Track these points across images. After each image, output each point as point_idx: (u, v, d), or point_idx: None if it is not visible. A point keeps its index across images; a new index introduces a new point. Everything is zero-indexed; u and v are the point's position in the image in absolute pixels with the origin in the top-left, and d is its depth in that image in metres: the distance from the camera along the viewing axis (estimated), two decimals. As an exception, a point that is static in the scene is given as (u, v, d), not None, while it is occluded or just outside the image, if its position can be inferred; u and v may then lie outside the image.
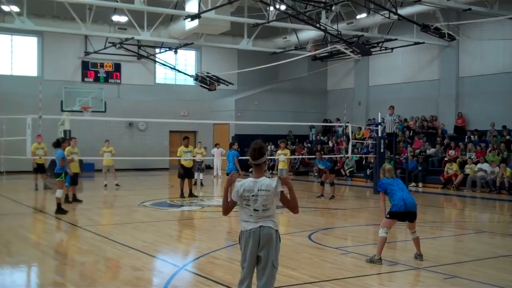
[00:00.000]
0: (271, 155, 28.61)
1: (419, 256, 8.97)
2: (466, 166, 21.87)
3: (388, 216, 8.85)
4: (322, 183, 18.77)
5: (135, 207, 15.93)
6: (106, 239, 10.79)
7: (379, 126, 21.32)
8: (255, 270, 5.35)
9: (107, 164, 21.32)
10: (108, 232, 11.66)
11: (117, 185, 21.23)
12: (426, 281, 7.82)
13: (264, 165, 5.46)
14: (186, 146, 18.11)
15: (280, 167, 19.23)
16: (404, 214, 8.83)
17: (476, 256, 9.41)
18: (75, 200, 16.41)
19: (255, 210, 5.30)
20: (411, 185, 20.96)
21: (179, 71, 31.13)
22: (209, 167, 30.21)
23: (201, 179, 22.91)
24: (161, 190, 22.01)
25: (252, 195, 5.29)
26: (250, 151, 5.41)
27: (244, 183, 5.37)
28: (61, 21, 25.15)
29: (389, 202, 8.91)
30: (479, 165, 21.33)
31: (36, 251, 9.89)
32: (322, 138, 31.49)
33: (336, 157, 26.71)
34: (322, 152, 20.57)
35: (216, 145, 26.66)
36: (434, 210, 16.37)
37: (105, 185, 21.10)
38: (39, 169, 20.39)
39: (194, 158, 19.10)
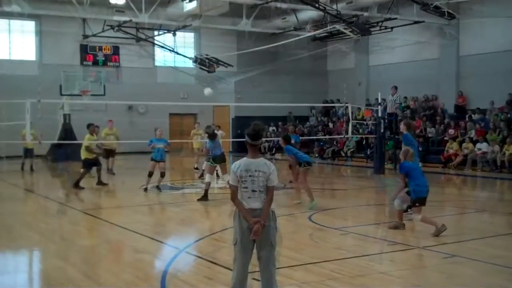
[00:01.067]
0: (276, 137, 28.62)
1: (402, 225, 9.55)
2: (463, 145, 21.84)
3: (417, 204, 9.30)
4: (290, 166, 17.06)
5: (136, 190, 15.94)
6: (107, 222, 10.82)
7: (379, 106, 21.26)
8: (253, 250, 5.37)
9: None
10: (109, 215, 11.69)
11: (112, 172, 20.04)
12: (426, 261, 7.85)
13: (259, 145, 5.50)
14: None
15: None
16: (425, 199, 9.40)
17: (477, 235, 9.43)
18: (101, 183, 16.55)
19: (253, 191, 5.30)
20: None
21: (178, 54, 30.99)
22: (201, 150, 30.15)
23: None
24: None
25: (250, 175, 5.29)
26: (250, 132, 5.39)
27: (240, 164, 5.35)
28: (59, 4, 24.97)
29: (408, 185, 9.40)
30: (478, 145, 21.31)
31: (38, 235, 9.92)
32: (322, 118, 31.43)
33: (336, 138, 26.72)
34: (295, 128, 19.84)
35: (217, 127, 26.54)
36: (434, 190, 16.29)
37: (113, 173, 19.96)
38: (109, 154, 19.98)
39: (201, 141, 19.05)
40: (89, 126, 16.50)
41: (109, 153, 20.28)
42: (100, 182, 16.43)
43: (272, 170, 5.33)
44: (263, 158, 5.40)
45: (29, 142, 19.17)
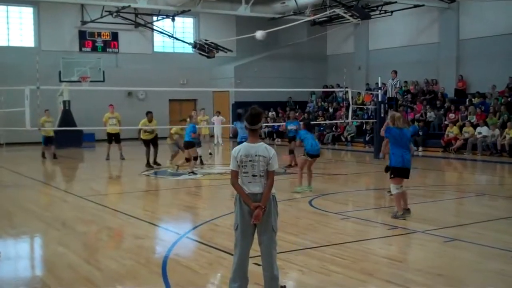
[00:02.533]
0: (275, 123, 28.58)
1: (406, 210, 9.21)
2: (464, 129, 21.83)
3: (392, 176, 9.15)
4: (291, 152, 17.32)
5: (136, 176, 15.97)
6: (108, 208, 10.84)
7: (379, 90, 21.23)
8: (254, 235, 5.40)
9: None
10: (110, 202, 11.71)
11: (122, 157, 20.05)
12: (426, 244, 7.86)
13: (259, 130, 5.50)
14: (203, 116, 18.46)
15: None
16: (403, 170, 9.14)
17: (477, 218, 9.44)
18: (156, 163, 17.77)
19: (253, 175, 5.32)
20: (419, 150, 20.92)
21: (177, 39, 30.88)
22: (211, 136, 30.15)
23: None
24: (162, 159, 22.00)
25: (250, 160, 5.31)
26: (248, 116, 5.39)
27: (240, 149, 5.36)
28: (57, -10, 24.88)
29: (390, 153, 9.23)
30: (478, 129, 21.29)
31: (38, 222, 9.93)
32: (323, 104, 31.38)
33: (336, 123, 26.68)
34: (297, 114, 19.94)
35: (217, 112, 26.51)
36: (434, 174, 16.40)
37: (108, 158, 19.96)
38: (113, 139, 20.33)
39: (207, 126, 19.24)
40: (148, 113, 17.89)
41: (113, 137, 20.26)
42: (155, 162, 17.79)
43: (272, 154, 5.34)
44: (263, 143, 5.41)
45: (48, 129, 19.96)
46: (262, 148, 5.35)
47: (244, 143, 5.42)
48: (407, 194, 9.46)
